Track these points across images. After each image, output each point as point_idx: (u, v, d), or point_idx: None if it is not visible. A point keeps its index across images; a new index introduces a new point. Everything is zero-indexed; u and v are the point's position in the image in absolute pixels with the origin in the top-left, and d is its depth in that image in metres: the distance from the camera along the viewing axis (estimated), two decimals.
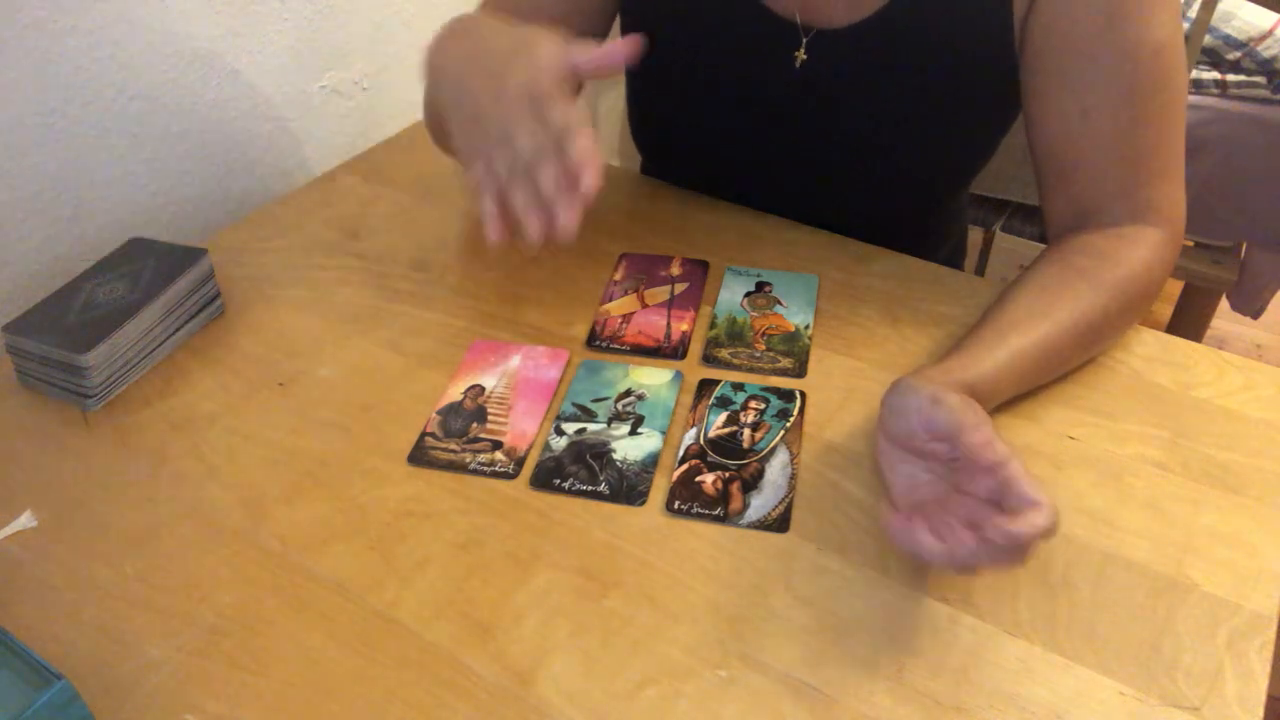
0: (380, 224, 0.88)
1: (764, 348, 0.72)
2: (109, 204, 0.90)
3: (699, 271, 0.80)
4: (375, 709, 0.50)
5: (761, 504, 0.60)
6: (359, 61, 1.13)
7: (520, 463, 0.64)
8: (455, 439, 0.66)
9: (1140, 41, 0.65)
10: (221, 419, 0.68)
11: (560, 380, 0.70)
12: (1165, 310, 1.76)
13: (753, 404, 0.67)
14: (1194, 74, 1.51)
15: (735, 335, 0.74)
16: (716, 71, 0.80)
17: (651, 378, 0.70)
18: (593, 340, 0.74)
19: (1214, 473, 0.62)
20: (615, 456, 0.64)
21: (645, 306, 0.77)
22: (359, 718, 0.50)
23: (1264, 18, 1.49)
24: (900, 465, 0.57)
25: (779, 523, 0.59)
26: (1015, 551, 0.47)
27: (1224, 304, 1.67)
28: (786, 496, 0.61)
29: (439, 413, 0.68)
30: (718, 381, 0.69)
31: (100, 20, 0.85)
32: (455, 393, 0.69)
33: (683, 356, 0.72)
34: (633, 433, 0.65)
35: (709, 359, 0.72)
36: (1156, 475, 0.62)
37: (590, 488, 0.62)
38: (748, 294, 0.78)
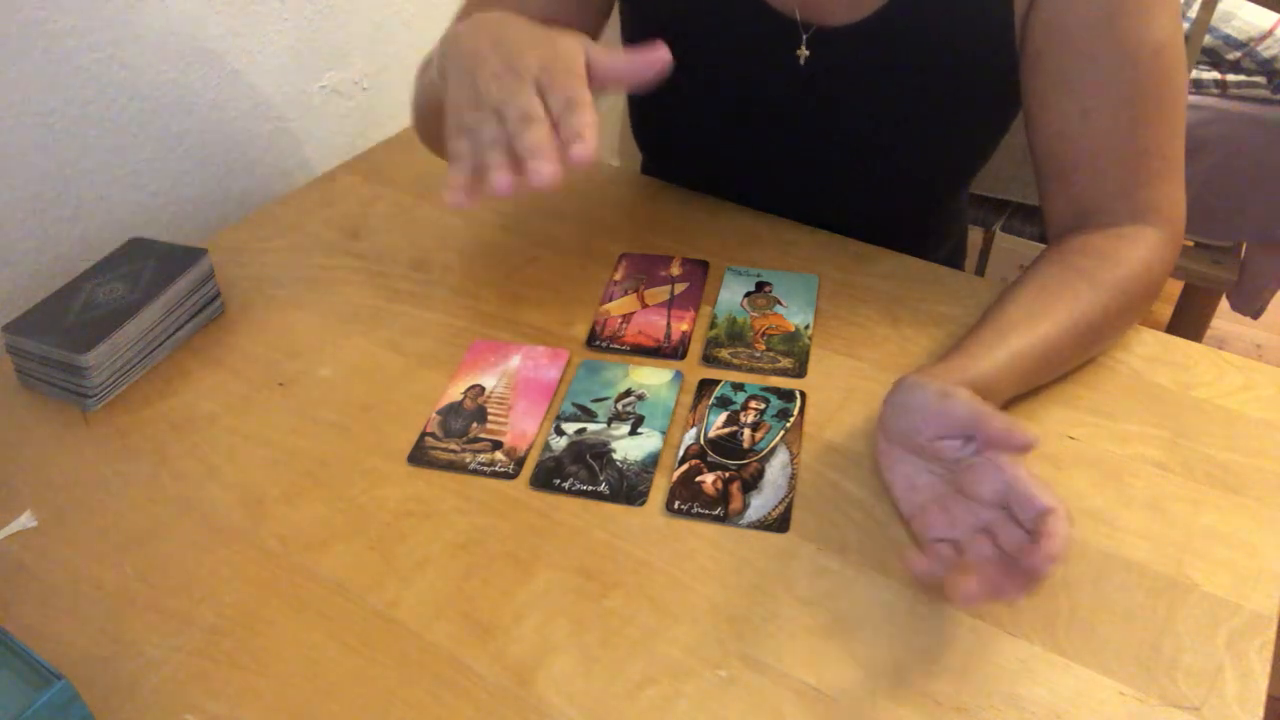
0: (380, 224, 0.88)
1: (764, 348, 0.72)
2: (109, 204, 0.90)
3: (699, 271, 0.80)
4: (375, 709, 0.50)
5: (761, 504, 0.60)
6: (359, 61, 1.13)
7: (520, 463, 0.64)
8: (455, 439, 0.66)
9: (1140, 41, 0.65)
10: (221, 419, 0.68)
11: (560, 380, 0.70)
12: (1165, 310, 1.76)
13: (753, 404, 0.67)
14: (1194, 74, 1.51)
15: (735, 335, 0.74)
16: (718, 70, 0.80)
17: (651, 378, 0.70)
18: (593, 340, 0.74)
19: (1214, 473, 0.62)
20: (615, 456, 0.64)
21: (645, 306, 0.77)
22: (359, 718, 0.50)
23: (1264, 18, 1.49)
24: (900, 465, 0.57)
25: (779, 523, 0.59)
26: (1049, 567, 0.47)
27: (1224, 304, 1.67)
28: (786, 496, 0.61)
29: (439, 413, 0.68)
30: (718, 381, 0.69)
31: (100, 20, 0.85)
32: (455, 393, 0.69)
33: (683, 356, 0.72)
34: (633, 433, 0.65)
35: (709, 359, 0.72)
36: (1156, 475, 0.62)
37: (590, 488, 0.62)
38: (748, 294, 0.78)
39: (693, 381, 0.70)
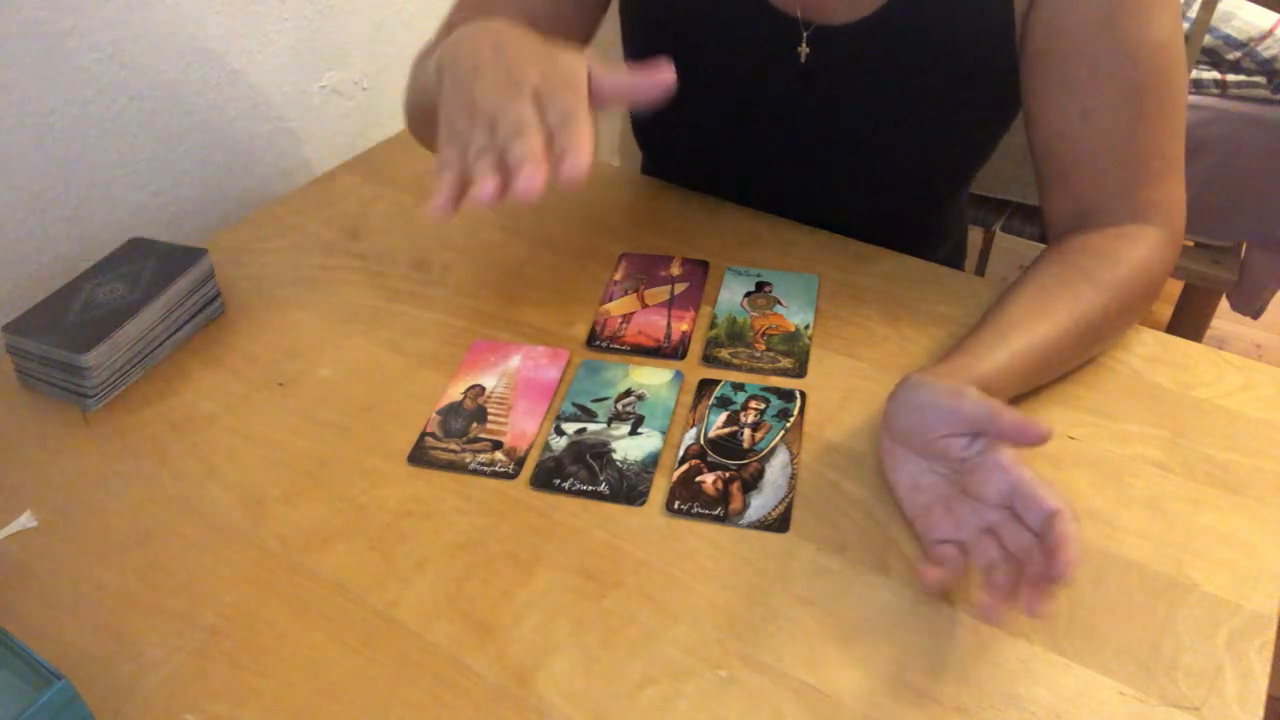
0: (380, 224, 0.88)
1: (764, 348, 0.72)
2: (109, 204, 0.90)
3: (699, 271, 0.80)
4: (375, 709, 0.50)
5: (761, 504, 0.60)
6: (359, 61, 1.13)
7: (520, 463, 0.64)
8: (455, 439, 0.66)
9: (1140, 41, 0.66)
10: (221, 419, 0.68)
11: (560, 380, 0.70)
12: (1165, 310, 1.76)
13: (753, 404, 0.67)
14: (1194, 74, 1.51)
15: (735, 335, 0.74)
16: (718, 69, 0.80)
17: (651, 378, 0.70)
18: (593, 340, 0.74)
19: (1214, 473, 0.62)
20: (615, 456, 0.64)
21: (645, 306, 0.77)
22: (359, 718, 0.50)
23: (1264, 18, 1.49)
24: (905, 465, 0.57)
25: (779, 523, 0.59)
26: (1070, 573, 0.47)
27: (1224, 304, 1.67)
28: (786, 496, 0.61)
29: (439, 413, 0.68)
30: (718, 381, 0.69)
31: (100, 20, 0.85)
32: (455, 393, 0.69)
33: (683, 356, 0.72)
34: (633, 433, 0.65)
35: (709, 359, 0.72)
36: (1156, 475, 0.62)
37: (590, 488, 0.62)
38: (748, 294, 0.78)
39: (693, 381, 0.70)
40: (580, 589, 0.56)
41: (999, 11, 0.69)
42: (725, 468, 0.63)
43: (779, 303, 0.77)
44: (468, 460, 0.64)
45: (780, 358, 0.71)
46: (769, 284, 0.78)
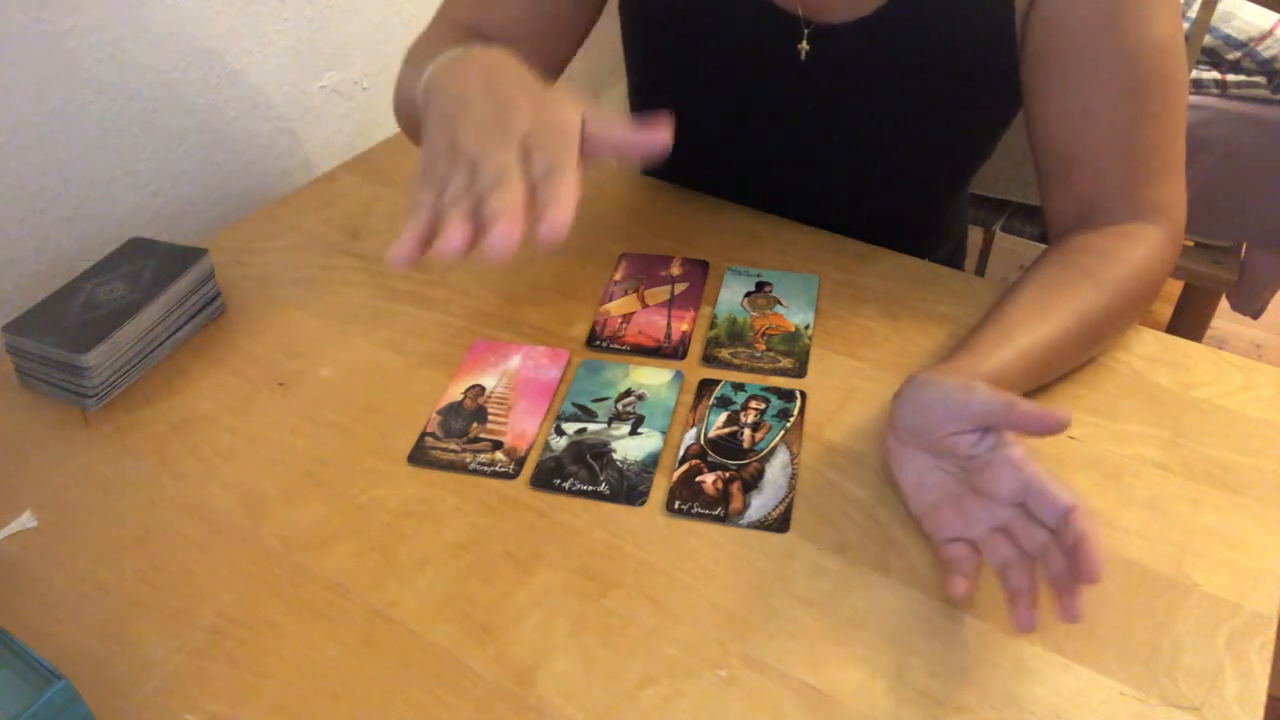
0: (380, 224, 0.88)
1: (764, 348, 0.72)
2: (109, 204, 0.91)
3: (699, 271, 0.80)
4: (375, 709, 0.50)
5: (761, 504, 0.60)
6: (359, 61, 1.13)
7: (520, 463, 0.64)
8: (455, 439, 0.66)
9: (1141, 39, 0.66)
10: (221, 419, 0.68)
11: (560, 380, 0.70)
12: (1165, 310, 1.76)
13: (753, 404, 0.67)
14: (1194, 74, 1.51)
15: (735, 335, 0.74)
16: (719, 67, 0.80)
17: (652, 378, 0.70)
18: (593, 340, 0.74)
19: (1214, 473, 0.62)
20: (615, 456, 0.64)
21: (645, 306, 0.77)
22: (359, 718, 0.50)
23: (1264, 18, 1.49)
24: (911, 464, 0.56)
25: (779, 523, 0.59)
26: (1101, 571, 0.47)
27: (1224, 304, 1.67)
28: (786, 496, 0.61)
29: (439, 413, 0.68)
30: (718, 381, 0.69)
31: (100, 20, 0.85)
32: (455, 393, 0.69)
33: (683, 356, 0.72)
34: (633, 433, 0.65)
35: (709, 359, 0.72)
36: (1156, 475, 0.62)
37: (590, 488, 0.62)
38: (748, 294, 0.78)
39: (693, 381, 0.70)
40: (580, 589, 0.56)
41: (999, 10, 0.69)
42: (725, 468, 0.63)
43: (779, 303, 0.77)
44: (468, 460, 0.64)
45: (780, 358, 0.71)
46: (769, 284, 0.78)
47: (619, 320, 0.76)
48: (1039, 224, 1.46)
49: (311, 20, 1.05)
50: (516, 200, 0.47)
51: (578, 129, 0.51)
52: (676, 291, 0.78)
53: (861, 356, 0.71)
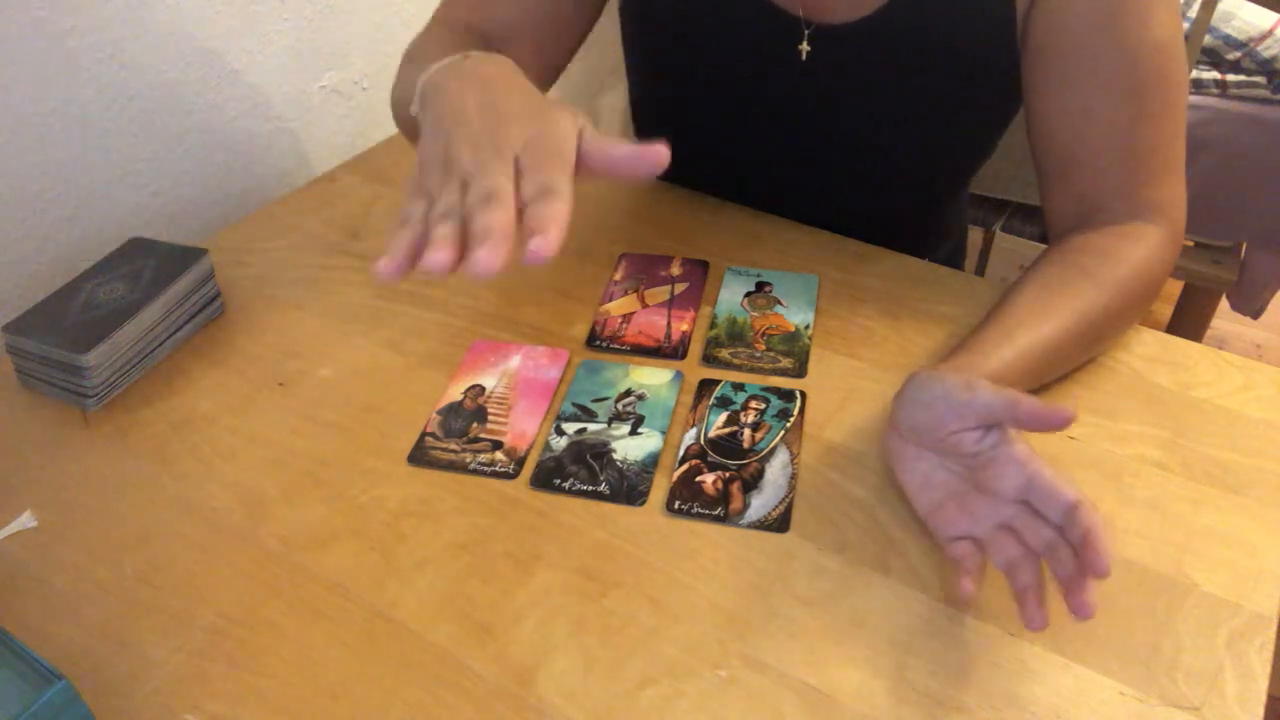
0: (380, 224, 0.88)
1: (764, 348, 0.72)
2: (109, 204, 0.91)
3: (699, 271, 0.80)
4: (375, 709, 0.50)
5: (762, 504, 0.60)
6: (359, 61, 1.13)
7: (520, 463, 0.64)
8: (455, 439, 0.66)
9: (1141, 39, 0.66)
10: (221, 419, 0.68)
11: (560, 380, 0.70)
12: (1165, 310, 1.76)
13: (753, 404, 0.67)
14: (1194, 74, 1.51)
15: (735, 335, 0.74)
16: (719, 67, 0.80)
17: (652, 378, 0.70)
18: (593, 340, 0.74)
19: (1214, 473, 0.62)
20: (615, 456, 0.64)
21: (645, 306, 0.77)
22: (359, 718, 0.50)
23: (1264, 18, 1.49)
24: (915, 463, 0.56)
25: (779, 523, 0.59)
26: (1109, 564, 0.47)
27: (1224, 304, 1.67)
28: (786, 496, 0.61)
29: (439, 413, 0.68)
30: (718, 381, 0.69)
31: (100, 20, 0.85)
32: (455, 393, 0.69)
33: (683, 356, 0.72)
34: (633, 433, 0.65)
35: (709, 359, 0.72)
36: (1156, 475, 0.62)
37: (590, 488, 0.62)
38: (748, 294, 0.78)
39: (693, 381, 0.70)
40: (580, 589, 0.56)
41: (1000, 10, 0.69)
42: (725, 468, 0.63)
43: (779, 303, 0.77)
44: (468, 460, 0.64)
45: (780, 358, 0.71)
46: (769, 284, 0.78)
47: (619, 320, 0.76)
48: (1039, 224, 1.46)
49: (311, 20, 1.05)
50: (505, 221, 0.46)
51: (573, 148, 0.51)
52: (676, 291, 0.78)
53: (861, 356, 0.71)
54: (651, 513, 0.60)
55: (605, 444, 0.65)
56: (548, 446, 0.65)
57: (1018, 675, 0.51)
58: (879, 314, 0.75)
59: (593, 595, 0.55)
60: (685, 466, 0.63)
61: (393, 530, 0.60)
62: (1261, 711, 0.49)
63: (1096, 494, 0.60)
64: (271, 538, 0.60)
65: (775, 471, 0.62)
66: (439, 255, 0.46)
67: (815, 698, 0.50)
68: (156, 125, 0.93)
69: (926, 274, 0.80)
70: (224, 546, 0.59)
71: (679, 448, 0.64)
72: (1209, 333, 1.82)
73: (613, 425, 0.66)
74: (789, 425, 0.66)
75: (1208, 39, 1.48)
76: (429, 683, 0.51)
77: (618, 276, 0.80)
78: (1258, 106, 1.48)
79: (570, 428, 0.66)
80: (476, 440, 0.65)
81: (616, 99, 1.70)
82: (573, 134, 0.51)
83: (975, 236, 1.47)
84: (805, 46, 0.75)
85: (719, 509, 0.60)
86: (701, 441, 0.64)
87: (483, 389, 0.70)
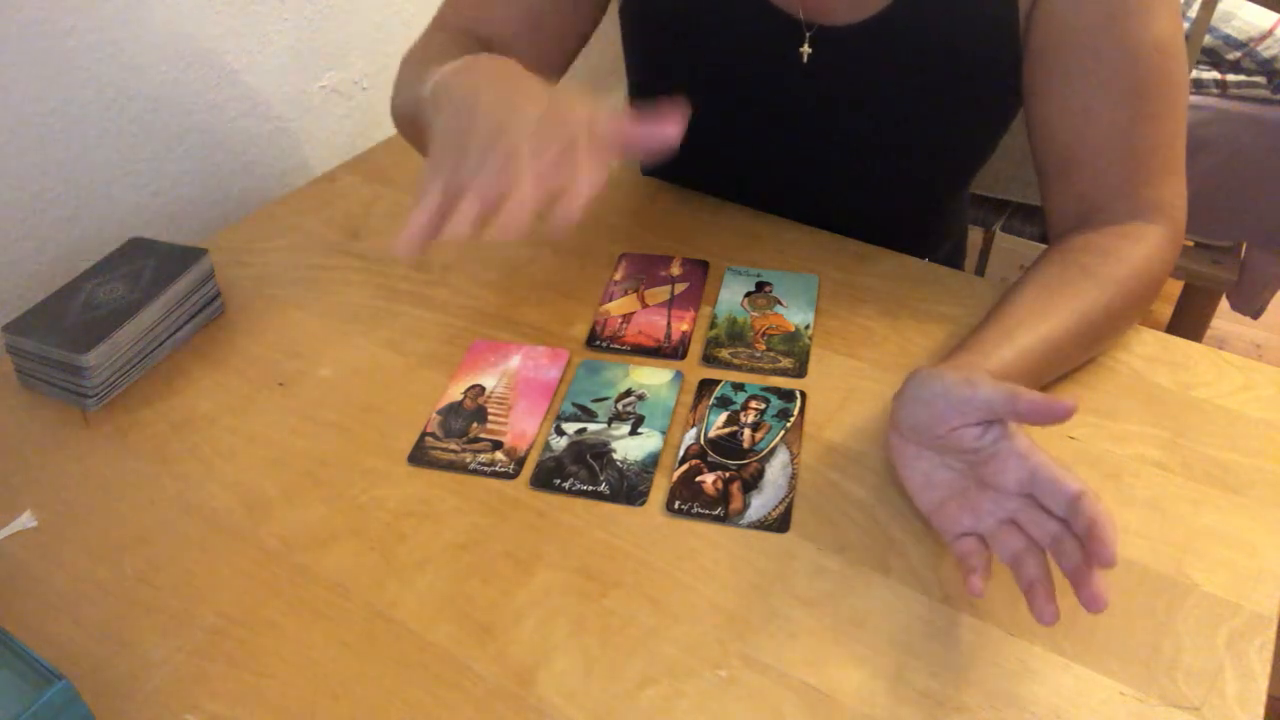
0: (380, 224, 0.88)
1: (764, 348, 0.72)
2: (109, 204, 0.91)
3: (699, 271, 0.80)
4: (375, 709, 0.50)
5: (762, 504, 0.60)
6: (359, 61, 1.13)
7: (520, 463, 0.64)
8: (455, 439, 0.66)
9: (1141, 39, 0.66)
10: (221, 419, 0.68)
11: (560, 380, 0.70)
12: (1165, 310, 1.76)
13: (753, 404, 0.67)
14: (1194, 74, 1.51)
15: (735, 335, 0.74)
16: (720, 69, 0.80)
17: (652, 378, 0.70)
18: (593, 340, 0.74)
19: (1214, 473, 0.62)
20: (615, 456, 0.64)
21: (645, 306, 0.77)
22: (359, 718, 0.50)
23: (1264, 18, 1.49)
24: (916, 461, 0.56)
25: (779, 523, 0.59)
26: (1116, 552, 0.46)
27: (1224, 304, 1.67)
28: (786, 496, 0.61)
29: (439, 413, 0.68)
30: (718, 381, 0.69)
31: (100, 20, 0.85)
32: (455, 393, 0.69)
33: (683, 356, 0.72)
34: (633, 433, 0.65)
35: (709, 359, 0.72)
36: (1156, 475, 0.62)
37: (590, 488, 0.62)
38: (748, 294, 0.78)
39: (693, 381, 0.70)
40: (580, 589, 0.56)
41: (1001, 10, 0.69)
42: (725, 468, 0.63)
43: (779, 303, 0.77)
44: (468, 460, 0.64)
45: (780, 358, 0.71)
46: (769, 284, 0.78)
47: (619, 320, 0.76)
48: (1039, 224, 1.46)
49: (311, 20, 1.05)
50: (527, 183, 0.48)
51: (587, 123, 0.52)
52: (676, 291, 0.78)
53: (861, 356, 0.71)
54: (651, 513, 0.60)
55: (605, 444, 0.65)
56: (548, 446, 0.65)
57: (1018, 675, 0.51)
58: (879, 314, 0.75)
59: (593, 595, 0.55)
60: (685, 466, 0.63)
61: (393, 530, 0.60)
62: (1261, 711, 0.49)
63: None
64: (271, 538, 0.60)
65: (775, 471, 0.62)
66: (462, 218, 0.47)
67: (815, 698, 0.50)
68: (156, 125, 0.93)
69: (926, 274, 0.80)
70: (224, 546, 0.59)
71: (679, 448, 0.64)
72: (1209, 333, 1.82)
73: (613, 425, 0.66)
74: (789, 425, 0.66)
75: (1208, 39, 1.48)
76: (429, 683, 0.51)
77: (618, 276, 0.80)
78: (1258, 106, 1.48)
79: (570, 428, 0.66)
80: (476, 440, 0.65)
81: (617, 98, 1.70)
82: (585, 111, 0.52)
83: (975, 236, 1.47)
84: (806, 49, 0.75)
85: (719, 509, 0.60)
86: (701, 441, 0.64)
87: (483, 389, 0.70)
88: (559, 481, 0.62)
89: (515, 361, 0.72)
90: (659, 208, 0.89)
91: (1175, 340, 0.72)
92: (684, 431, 0.65)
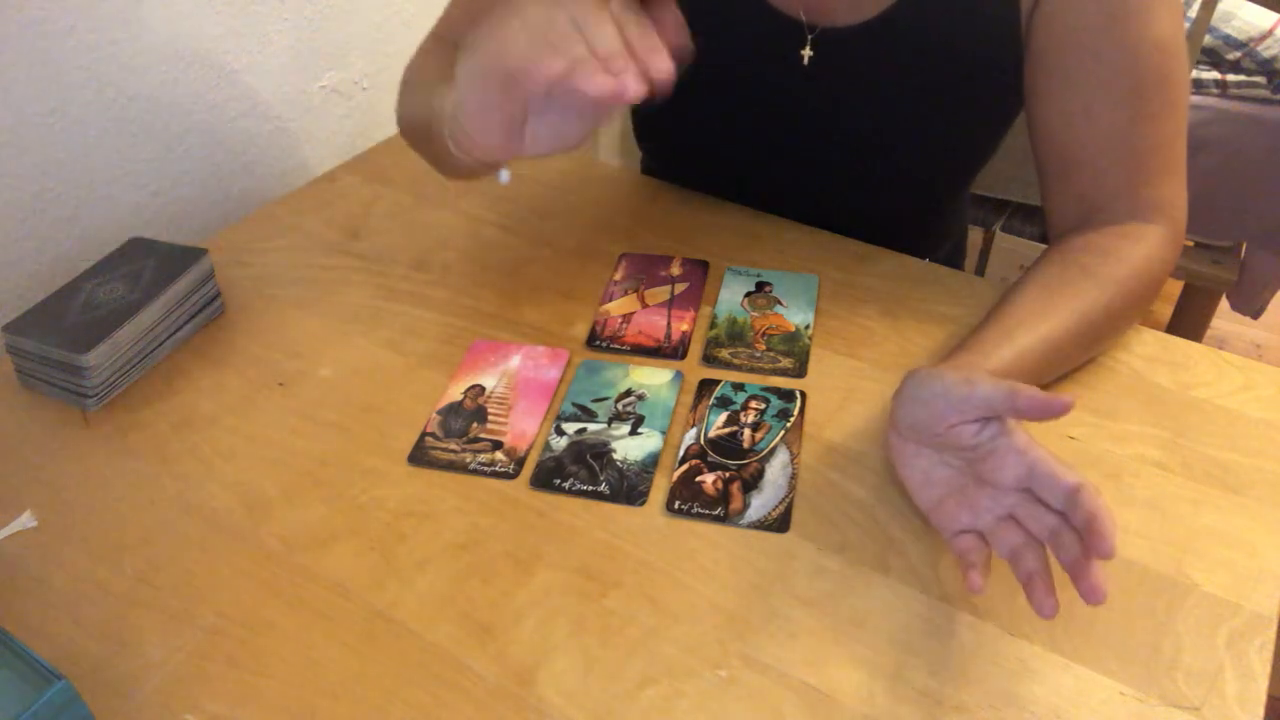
0: (380, 224, 0.88)
1: (764, 348, 0.72)
2: (109, 204, 0.91)
3: (699, 271, 0.80)
4: (375, 709, 0.50)
5: (761, 504, 0.60)
6: (359, 61, 1.13)
7: (520, 463, 0.64)
8: (455, 439, 0.66)
9: (1142, 39, 0.66)
10: (221, 419, 0.68)
11: (560, 380, 0.70)
12: (1165, 310, 1.76)
13: (753, 404, 0.67)
14: (1194, 74, 1.51)
15: (735, 335, 0.74)
16: (720, 70, 0.80)
17: (652, 378, 0.70)
18: (593, 340, 0.74)
19: (1214, 473, 0.62)
20: (615, 456, 0.64)
21: (645, 306, 0.77)
22: (359, 718, 0.50)
23: (1264, 18, 1.49)
24: (915, 460, 0.56)
25: (779, 523, 0.59)
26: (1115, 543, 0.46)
27: (1224, 304, 1.67)
28: (786, 496, 0.61)
29: (439, 413, 0.68)
30: (718, 381, 0.69)
31: (100, 20, 0.85)
32: (455, 393, 0.69)
33: (683, 356, 0.72)
34: (633, 433, 0.65)
35: (709, 359, 0.72)
36: (1156, 475, 0.62)
37: (590, 488, 0.62)
38: (748, 294, 0.78)
39: (693, 381, 0.70)
40: (580, 589, 0.56)
41: (1002, 10, 0.69)
42: (725, 468, 0.63)
43: (779, 303, 0.77)
44: (468, 460, 0.64)
45: (780, 358, 0.71)
46: (769, 284, 0.78)
47: (619, 320, 0.76)
48: (1039, 224, 1.46)
49: (311, 20, 1.05)
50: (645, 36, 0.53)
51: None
52: (676, 291, 0.78)
53: (861, 356, 0.71)
54: (651, 513, 0.60)
55: (605, 444, 0.65)
56: (548, 446, 0.65)
57: (1017, 675, 0.51)
58: (879, 314, 0.75)
59: (593, 595, 0.55)
60: (685, 466, 0.63)
61: (393, 530, 0.60)
62: (1261, 711, 0.49)
63: None
64: (271, 538, 0.60)
65: (775, 471, 0.62)
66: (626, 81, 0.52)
67: (815, 698, 0.50)
68: (156, 125, 0.93)
69: (926, 274, 0.80)
70: (224, 546, 0.59)
71: (679, 448, 0.64)
72: (1209, 333, 1.82)
73: (613, 425, 0.66)
74: (789, 425, 0.66)
75: (1208, 39, 1.48)
76: (429, 683, 0.51)
77: (618, 276, 0.80)
78: (1258, 106, 1.48)
79: (570, 428, 0.66)
80: (476, 440, 0.65)
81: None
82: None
83: (975, 236, 1.47)
84: (808, 51, 0.75)
85: (719, 509, 0.60)
86: (701, 441, 0.64)
87: (483, 389, 0.70)
88: (559, 481, 0.62)
89: (515, 361, 0.72)
90: (659, 208, 0.89)
91: (1175, 340, 0.72)
92: (684, 431, 0.65)
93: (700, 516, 0.60)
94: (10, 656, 0.49)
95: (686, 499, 0.61)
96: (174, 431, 0.67)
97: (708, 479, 0.62)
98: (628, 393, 0.69)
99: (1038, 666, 0.51)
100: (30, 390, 0.71)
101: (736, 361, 0.71)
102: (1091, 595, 0.47)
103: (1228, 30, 1.49)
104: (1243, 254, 1.59)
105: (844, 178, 0.83)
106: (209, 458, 0.65)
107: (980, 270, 1.50)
